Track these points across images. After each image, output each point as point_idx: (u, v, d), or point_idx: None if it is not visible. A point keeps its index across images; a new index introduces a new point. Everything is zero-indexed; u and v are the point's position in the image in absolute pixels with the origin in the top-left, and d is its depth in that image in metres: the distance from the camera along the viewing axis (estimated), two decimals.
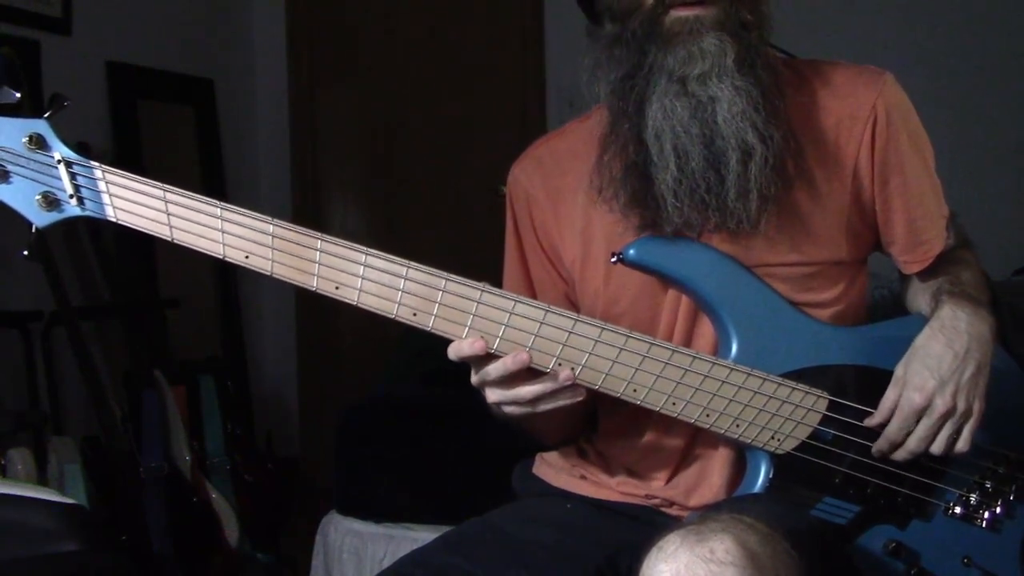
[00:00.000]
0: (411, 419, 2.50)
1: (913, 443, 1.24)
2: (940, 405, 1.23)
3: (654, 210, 1.24)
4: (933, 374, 1.23)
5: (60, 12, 3.11)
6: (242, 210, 1.13)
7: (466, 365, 1.20)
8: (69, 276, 2.86)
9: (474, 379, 1.20)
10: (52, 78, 2.95)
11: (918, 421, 1.24)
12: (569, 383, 1.18)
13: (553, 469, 1.45)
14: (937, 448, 1.24)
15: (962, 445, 1.25)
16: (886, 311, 1.46)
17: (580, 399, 1.20)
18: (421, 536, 2.15)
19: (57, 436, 2.74)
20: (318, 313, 4.06)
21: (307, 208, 4.01)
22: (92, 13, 3.23)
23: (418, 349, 2.67)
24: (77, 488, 2.57)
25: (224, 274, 3.80)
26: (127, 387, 2.92)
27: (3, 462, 2.43)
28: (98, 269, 3.06)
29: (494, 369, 1.16)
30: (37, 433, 2.72)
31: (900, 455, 1.26)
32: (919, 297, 1.38)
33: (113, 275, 3.09)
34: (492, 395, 1.19)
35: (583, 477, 1.41)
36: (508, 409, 1.20)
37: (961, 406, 1.23)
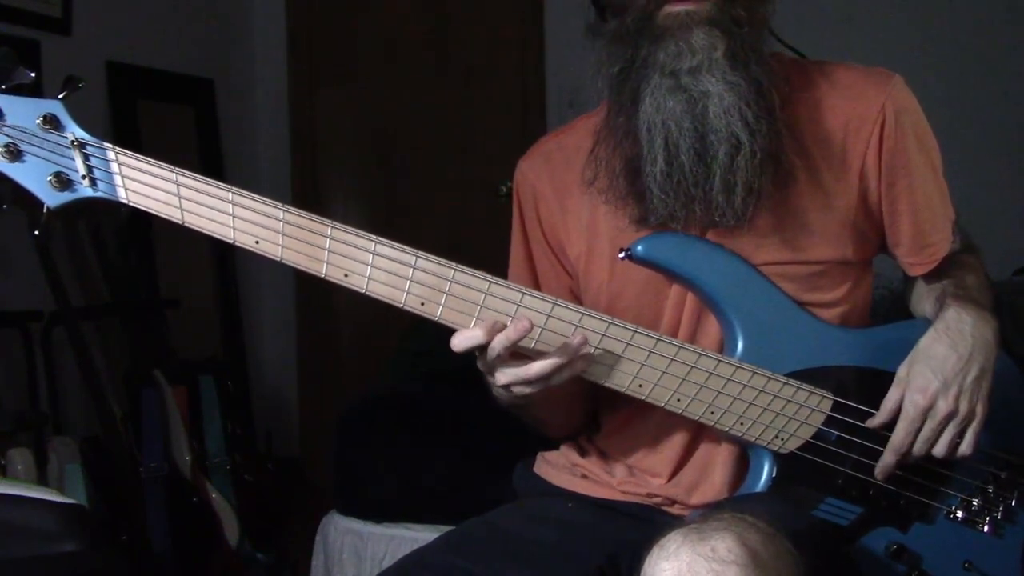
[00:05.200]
0: (411, 419, 2.49)
1: (916, 446, 1.24)
2: (943, 407, 1.22)
3: (643, 202, 1.25)
4: (936, 376, 1.23)
5: (60, 12, 3.11)
6: (253, 195, 1.14)
7: (466, 363, 1.20)
8: (69, 276, 2.85)
9: (481, 364, 1.19)
10: (52, 78, 2.94)
11: (922, 425, 1.24)
12: (583, 346, 1.16)
13: (554, 468, 1.45)
14: (939, 451, 1.24)
15: (965, 448, 1.25)
16: (886, 311, 1.46)
17: (589, 363, 1.19)
18: (421, 536, 2.15)
19: (57, 436, 2.74)
20: (318, 313, 4.06)
21: (307, 208, 3.99)
22: (92, 13, 3.23)
23: (418, 349, 2.67)
24: (77, 488, 2.57)
25: (224, 274, 3.80)
26: (127, 387, 2.92)
27: (3, 462, 2.43)
28: (98, 269, 3.06)
29: (497, 342, 1.14)
30: (37, 433, 2.71)
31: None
32: (923, 300, 1.38)
33: (113, 275, 3.09)
34: (502, 377, 1.18)
35: (584, 476, 1.41)
36: (518, 389, 1.19)
37: (964, 409, 1.23)
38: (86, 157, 1.12)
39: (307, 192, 4.09)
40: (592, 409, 1.42)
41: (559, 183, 1.39)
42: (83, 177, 1.12)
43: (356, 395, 2.71)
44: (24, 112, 1.11)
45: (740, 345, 1.25)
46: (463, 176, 3.88)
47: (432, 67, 3.93)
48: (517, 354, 1.17)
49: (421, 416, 2.49)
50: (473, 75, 3.88)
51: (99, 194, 1.13)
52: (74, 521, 1.65)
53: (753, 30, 1.23)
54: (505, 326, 1.15)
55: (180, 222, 1.13)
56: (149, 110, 3.49)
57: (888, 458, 1.26)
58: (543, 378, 1.17)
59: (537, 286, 1.41)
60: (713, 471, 1.32)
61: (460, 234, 3.74)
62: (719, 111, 1.20)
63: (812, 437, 1.26)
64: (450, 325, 1.17)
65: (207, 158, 3.75)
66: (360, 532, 2.43)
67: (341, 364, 4.08)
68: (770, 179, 1.23)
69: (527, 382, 1.18)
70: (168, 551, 2.69)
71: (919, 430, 1.24)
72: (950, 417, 1.23)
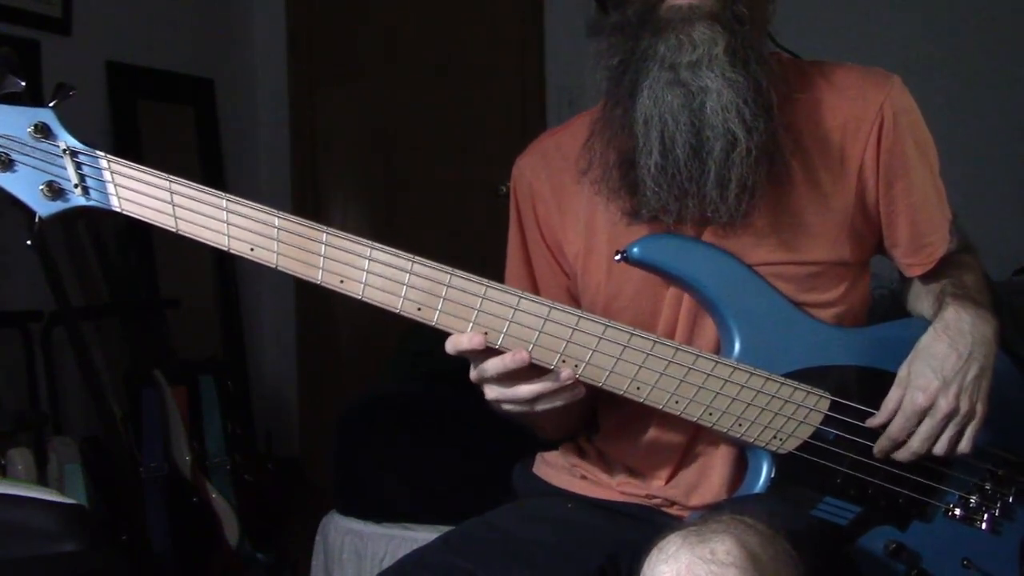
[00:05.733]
0: (411, 419, 2.50)
1: (916, 443, 1.25)
2: (943, 406, 1.23)
3: (636, 195, 1.25)
4: (937, 375, 1.23)
5: (60, 12, 3.11)
6: (247, 202, 1.13)
7: (465, 364, 1.20)
8: (69, 276, 2.86)
9: (473, 375, 1.20)
10: (52, 78, 2.94)
11: (920, 421, 1.24)
12: (570, 382, 1.17)
13: (553, 469, 1.45)
14: (940, 449, 1.24)
15: (964, 446, 1.25)
16: (885, 311, 1.46)
17: (579, 397, 1.20)
18: (421, 536, 2.15)
19: (57, 436, 2.74)
20: (318, 313, 4.06)
21: (307, 208, 4.01)
22: (92, 13, 3.23)
23: (418, 349, 2.67)
24: (77, 488, 2.57)
25: (224, 274, 3.80)
26: (127, 387, 2.92)
27: (3, 462, 2.43)
28: (98, 269, 3.06)
29: (492, 366, 1.16)
30: (37, 433, 2.72)
31: (903, 455, 1.26)
32: (921, 299, 1.38)
33: (113, 275, 3.09)
34: (491, 392, 1.19)
35: (583, 477, 1.41)
36: (506, 407, 1.20)
37: (964, 407, 1.23)
38: (78, 166, 1.11)
39: (307, 192, 4.09)
40: (588, 413, 1.42)
41: (557, 182, 1.39)
42: (75, 186, 1.11)
43: (356, 395, 2.71)
44: (15, 121, 1.10)
45: (737, 346, 1.25)
46: (463, 176, 3.88)
47: (432, 67, 3.92)
48: (509, 378, 1.17)
49: (421, 416, 2.50)
50: (473, 75, 3.88)
51: (92, 203, 1.12)
52: (74, 521, 1.65)
53: (754, 29, 1.23)
54: (490, 347, 1.15)
55: (174, 230, 1.12)
56: (149, 110, 3.49)
57: (883, 443, 1.26)
58: (528, 401, 1.18)
59: (534, 285, 1.41)
60: (712, 472, 1.32)
61: (460, 234, 3.74)
62: (717, 107, 1.20)
63: (810, 437, 1.26)
64: (447, 330, 1.17)
65: (207, 158, 3.75)
66: (360, 532, 2.43)
67: (341, 364, 4.08)
68: (765, 176, 1.23)
69: (513, 402, 1.18)
70: (168, 551, 2.69)
71: (916, 426, 1.24)
72: (951, 416, 1.23)
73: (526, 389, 1.17)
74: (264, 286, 4.06)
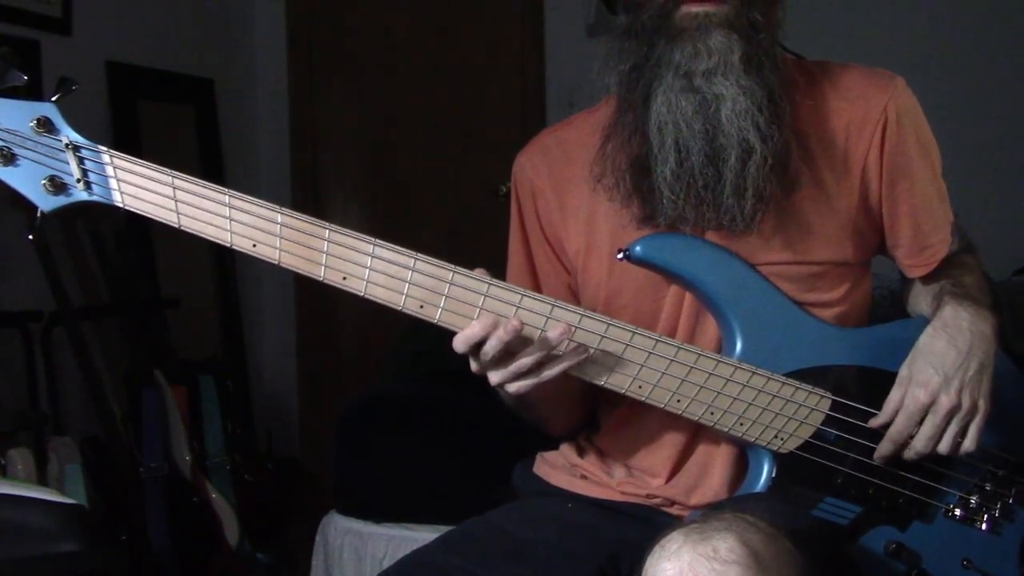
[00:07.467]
0: (411, 419, 2.50)
1: (920, 443, 1.24)
2: (945, 402, 1.22)
3: (651, 202, 1.25)
4: (937, 371, 1.23)
5: (60, 12, 3.11)
6: (250, 198, 1.13)
7: (467, 362, 1.20)
8: (69, 276, 2.85)
9: (474, 367, 1.19)
10: (52, 78, 2.93)
11: (922, 420, 1.24)
12: (566, 337, 1.16)
13: (553, 468, 1.45)
14: (944, 447, 1.24)
15: (968, 444, 1.25)
16: (885, 311, 1.47)
17: (584, 357, 1.18)
18: (421, 536, 2.15)
19: (57, 436, 2.74)
20: (318, 313, 4.05)
21: (307, 208, 3.96)
22: (92, 13, 3.22)
23: (418, 349, 2.67)
24: (77, 488, 2.57)
25: (224, 274, 3.80)
26: (127, 387, 2.92)
27: (3, 462, 2.43)
28: (98, 269, 3.06)
29: (490, 346, 1.15)
30: (37, 433, 2.71)
31: (907, 455, 1.26)
32: (921, 300, 1.38)
33: (113, 275, 3.09)
34: (495, 376, 1.18)
35: (584, 476, 1.41)
36: (514, 387, 1.19)
37: (966, 403, 1.23)
38: (80, 160, 1.11)
39: (307, 192, 4.08)
40: (592, 401, 1.42)
41: (558, 178, 1.38)
42: (78, 181, 1.11)
43: (356, 395, 2.71)
44: (17, 115, 1.10)
45: (739, 345, 1.25)
46: (463, 176, 3.88)
47: (432, 67, 3.92)
48: (508, 355, 1.17)
49: (421, 416, 2.50)
50: (473, 75, 3.88)
51: (94, 198, 1.12)
52: (74, 521, 1.65)
53: (768, 35, 1.23)
54: (499, 324, 1.15)
55: (176, 226, 1.12)
56: (149, 110, 3.49)
57: (885, 446, 1.26)
58: (533, 370, 1.17)
59: (536, 282, 1.41)
60: (712, 471, 1.32)
61: (460, 234, 3.73)
62: (731, 115, 1.20)
63: (811, 437, 1.26)
64: (449, 327, 1.17)
65: (207, 158, 3.75)
66: (360, 532, 2.43)
67: (341, 364, 4.08)
68: (778, 185, 1.23)
69: (517, 376, 1.17)
70: (168, 551, 2.69)
71: (918, 425, 1.24)
72: (953, 412, 1.23)
73: (526, 360, 1.16)
74: (264, 286, 4.06)
